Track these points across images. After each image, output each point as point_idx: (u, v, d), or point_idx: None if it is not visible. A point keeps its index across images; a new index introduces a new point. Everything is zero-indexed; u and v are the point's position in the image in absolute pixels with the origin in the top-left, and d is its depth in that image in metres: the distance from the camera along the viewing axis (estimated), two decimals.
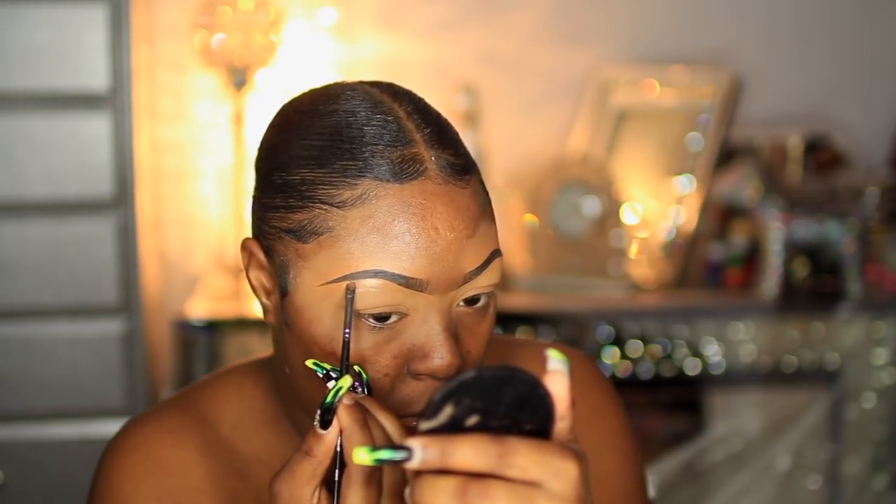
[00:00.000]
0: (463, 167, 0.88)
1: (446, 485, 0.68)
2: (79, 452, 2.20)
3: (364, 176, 0.85)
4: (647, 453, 2.37)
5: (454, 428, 0.69)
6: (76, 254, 2.23)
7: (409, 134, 0.86)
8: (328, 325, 0.86)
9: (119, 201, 2.25)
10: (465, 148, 0.90)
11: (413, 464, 0.68)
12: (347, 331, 0.83)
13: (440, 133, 0.88)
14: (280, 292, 0.89)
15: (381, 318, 0.85)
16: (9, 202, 2.22)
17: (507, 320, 2.33)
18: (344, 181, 0.85)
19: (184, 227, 2.65)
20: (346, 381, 0.80)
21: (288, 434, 0.97)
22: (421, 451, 0.68)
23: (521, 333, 2.33)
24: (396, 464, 0.68)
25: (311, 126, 0.88)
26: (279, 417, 0.98)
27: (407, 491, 0.69)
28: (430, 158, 0.86)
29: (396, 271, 0.84)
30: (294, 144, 0.88)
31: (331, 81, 0.94)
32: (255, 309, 2.32)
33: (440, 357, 0.85)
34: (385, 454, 0.68)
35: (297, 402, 0.94)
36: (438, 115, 0.91)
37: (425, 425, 0.69)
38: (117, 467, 0.96)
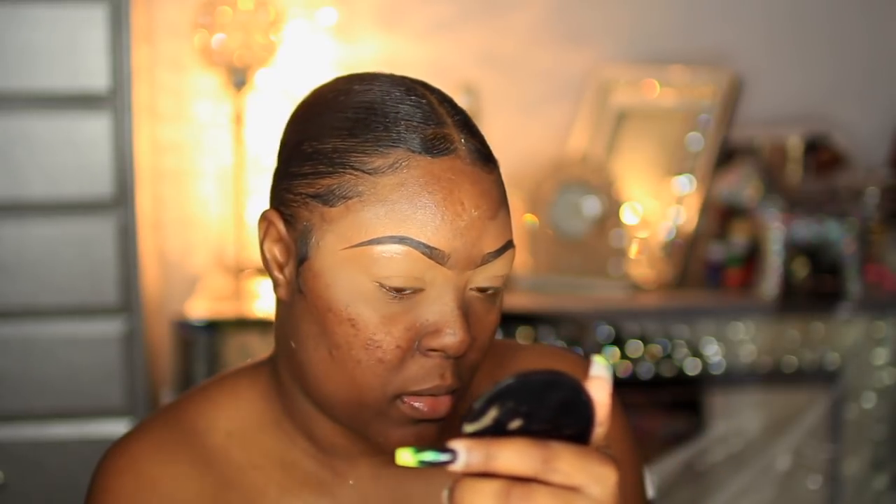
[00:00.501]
0: (488, 156, 0.90)
1: (489, 488, 0.67)
2: (79, 452, 2.20)
3: (397, 146, 0.87)
4: (647, 453, 2.37)
5: (497, 431, 0.68)
6: (76, 254, 2.23)
7: (440, 116, 0.89)
8: (346, 290, 0.87)
9: (119, 201, 2.25)
10: (488, 144, 0.93)
11: (457, 466, 0.67)
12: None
13: (468, 122, 0.91)
14: (298, 259, 0.90)
15: (398, 288, 0.86)
16: (8, 202, 2.22)
17: (507, 320, 2.33)
18: (377, 150, 0.87)
19: (184, 227, 2.65)
20: None
21: (288, 435, 0.97)
22: (465, 454, 0.67)
23: (521, 333, 2.33)
24: (440, 466, 0.68)
25: (345, 102, 0.90)
26: (279, 419, 0.97)
27: (445, 493, 0.69)
28: (460, 140, 0.89)
29: (421, 240, 0.85)
30: (327, 117, 0.90)
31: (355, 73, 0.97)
32: (255, 309, 2.32)
33: (453, 333, 0.86)
34: (429, 456, 0.68)
35: (296, 388, 0.93)
36: (464, 111, 0.94)
37: (469, 428, 0.68)
38: (106, 491, 0.95)
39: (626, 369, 2.37)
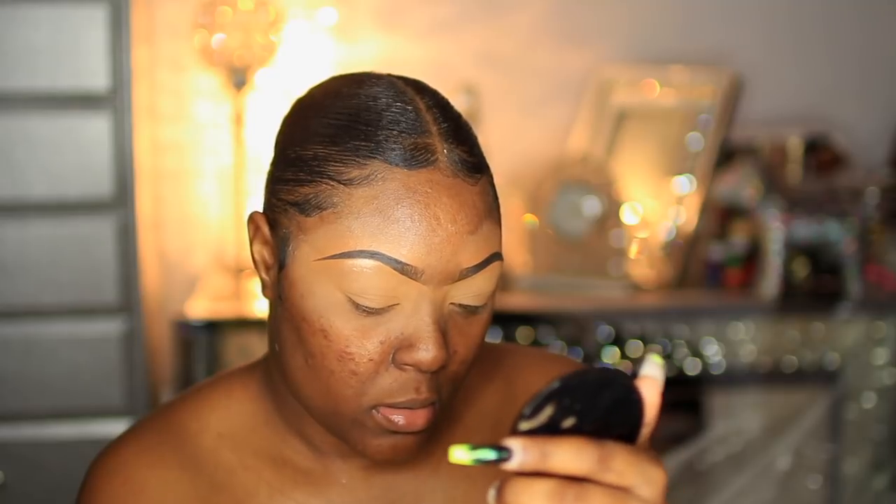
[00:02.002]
0: (475, 165, 0.87)
1: (543, 487, 0.66)
2: (79, 452, 2.20)
3: (375, 157, 0.85)
4: None
5: (551, 429, 0.67)
6: (76, 254, 2.23)
7: (425, 125, 0.86)
8: (319, 301, 0.86)
9: (119, 201, 2.25)
10: (480, 150, 0.90)
11: (512, 465, 0.66)
12: None
13: (457, 130, 0.88)
14: (278, 265, 0.89)
15: (369, 308, 0.85)
16: (9, 202, 2.22)
17: (508, 320, 2.33)
18: (354, 160, 0.85)
19: (184, 227, 2.65)
20: None
21: (280, 435, 0.96)
22: (521, 452, 0.66)
23: (521, 333, 2.33)
24: (495, 464, 0.66)
25: (331, 106, 0.89)
26: (270, 418, 0.97)
27: (491, 493, 0.67)
28: (443, 151, 0.86)
29: (393, 255, 0.83)
30: (313, 122, 0.89)
31: (358, 71, 0.95)
32: (255, 309, 2.32)
33: (426, 349, 0.84)
34: (484, 454, 0.66)
35: (285, 387, 0.93)
36: (459, 114, 0.91)
37: (525, 425, 0.67)
38: (96, 494, 0.95)
39: (625, 369, 2.37)
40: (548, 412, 0.67)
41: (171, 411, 0.99)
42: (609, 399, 0.68)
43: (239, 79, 2.40)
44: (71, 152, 2.22)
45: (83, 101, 2.23)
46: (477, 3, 2.72)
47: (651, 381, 0.70)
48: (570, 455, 0.66)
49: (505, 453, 0.66)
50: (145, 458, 0.95)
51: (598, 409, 0.68)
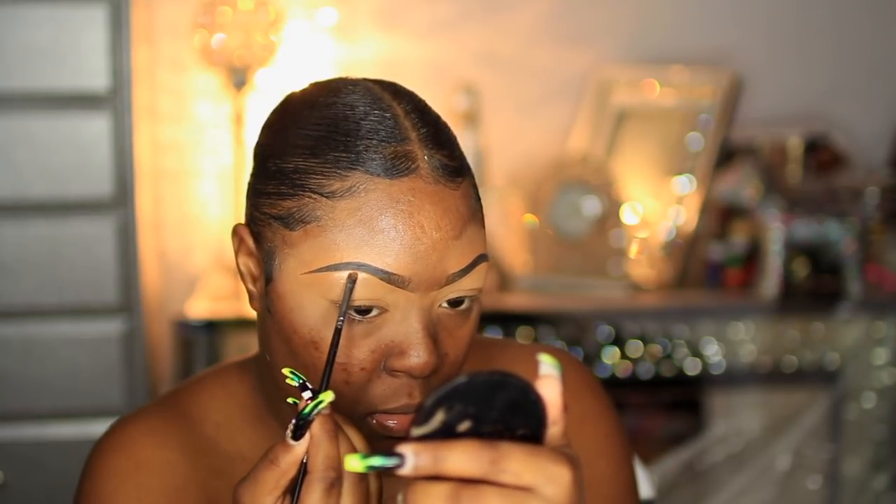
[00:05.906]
0: (456, 169, 0.88)
1: (439, 491, 0.67)
2: (79, 452, 2.19)
3: (356, 168, 0.85)
4: (647, 453, 2.37)
5: (446, 434, 0.68)
6: (76, 254, 2.23)
7: (404, 131, 0.87)
8: (308, 314, 0.86)
9: (119, 201, 2.25)
10: (460, 151, 0.90)
11: (405, 470, 0.67)
12: (341, 319, 0.83)
13: (436, 133, 0.88)
14: (265, 279, 0.90)
15: (362, 311, 0.86)
16: (9, 202, 2.22)
17: (507, 320, 2.33)
18: (335, 172, 0.85)
19: (184, 227, 2.65)
20: (329, 395, 0.80)
21: (272, 430, 0.98)
22: (413, 458, 0.67)
23: (521, 333, 2.33)
24: (388, 470, 0.68)
25: (309, 116, 0.89)
26: (263, 414, 0.98)
27: (399, 497, 0.69)
28: (423, 157, 0.86)
29: (379, 266, 0.84)
30: (291, 133, 0.89)
31: (334, 76, 0.95)
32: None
33: (417, 356, 0.85)
34: (377, 461, 0.68)
35: (278, 393, 0.94)
36: (437, 116, 0.91)
37: (417, 431, 0.68)
38: (100, 467, 0.97)
39: (626, 369, 2.37)
40: (439, 417, 0.68)
41: (176, 398, 1.01)
42: (504, 400, 0.69)
43: (239, 79, 2.40)
44: (71, 152, 2.22)
45: (83, 101, 2.23)
46: (477, 3, 2.72)
47: (549, 380, 0.71)
48: (461, 458, 0.67)
49: (397, 459, 0.67)
50: (150, 438, 0.97)
51: (494, 411, 0.69)
